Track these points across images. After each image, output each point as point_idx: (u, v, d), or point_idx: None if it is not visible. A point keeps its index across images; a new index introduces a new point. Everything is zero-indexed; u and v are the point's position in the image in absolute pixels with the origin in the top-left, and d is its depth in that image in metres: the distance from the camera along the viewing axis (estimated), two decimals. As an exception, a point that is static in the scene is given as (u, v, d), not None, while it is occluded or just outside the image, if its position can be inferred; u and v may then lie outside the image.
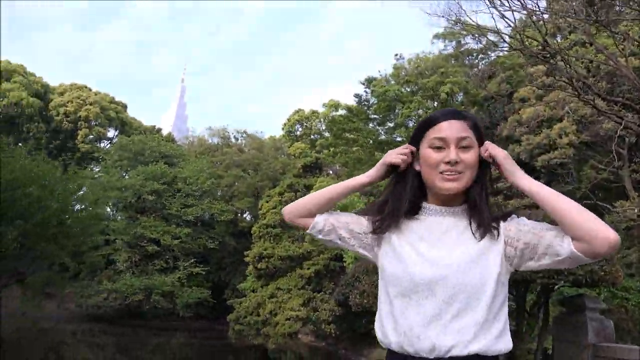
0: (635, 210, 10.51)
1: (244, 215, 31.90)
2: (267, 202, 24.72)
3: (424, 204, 1.42)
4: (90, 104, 31.34)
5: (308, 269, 21.19)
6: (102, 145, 33.14)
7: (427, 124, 1.39)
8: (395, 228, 1.40)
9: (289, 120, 35.88)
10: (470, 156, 1.33)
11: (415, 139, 1.42)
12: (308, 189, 23.64)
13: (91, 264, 26.37)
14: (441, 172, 1.33)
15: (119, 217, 28.26)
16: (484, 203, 1.37)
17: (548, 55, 8.66)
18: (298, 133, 33.37)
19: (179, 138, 42.37)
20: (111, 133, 34.15)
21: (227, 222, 28.61)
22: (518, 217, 1.38)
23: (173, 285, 24.65)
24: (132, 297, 24.20)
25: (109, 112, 32.30)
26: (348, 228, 1.46)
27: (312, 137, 30.32)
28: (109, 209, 28.46)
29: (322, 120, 32.13)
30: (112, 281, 25.07)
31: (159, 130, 37.47)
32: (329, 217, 1.47)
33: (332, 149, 23.47)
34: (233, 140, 35.80)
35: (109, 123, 32.76)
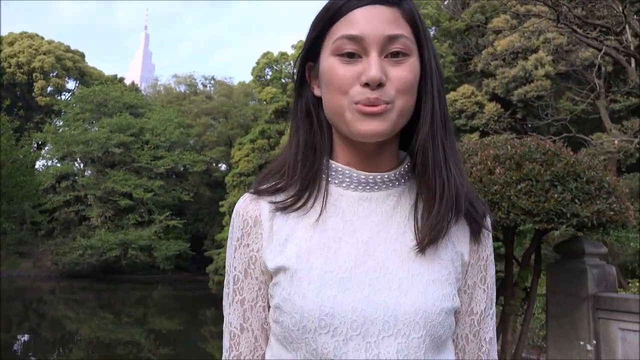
0: (616, 142, 10.41)
1: (218, 165, 31.24)
2: (239, 150, 24.12)
3: (332, 164, 0.83)
4: (44, 54, 29.41)
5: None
6: (62, 97, 31.47)
7: (331, 13, 0.77)
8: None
9: (257, 64, 34.54)
10: (405, 72, 0.75)
11: (313, 45, 0.80)
12: (280, 134, 23.03)
13: (63, 221, 25.81)
14: (356, 103, 0.75)
15: (87, 172, 27.37)
16: (446, 162, 0.78)
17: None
18: (268, 77, 32.23)
19: (145, 87, 40.62)
20: (71, 85, 32.44)
21: (201, 172, 28.00)
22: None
23: (150, 239, 24.30)
24: (108, 252, 23.85)
25: (65, 61, 30.44)
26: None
27: (282, 80, 29.17)
28: (76, 164, 27.50)
29: (292, 62, 30.94)
30: (87, 237, 24.58)
31: (122, 79, 35.75)
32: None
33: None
34: (201, 87, 34.49)
35: (66, 74, 30.95)
